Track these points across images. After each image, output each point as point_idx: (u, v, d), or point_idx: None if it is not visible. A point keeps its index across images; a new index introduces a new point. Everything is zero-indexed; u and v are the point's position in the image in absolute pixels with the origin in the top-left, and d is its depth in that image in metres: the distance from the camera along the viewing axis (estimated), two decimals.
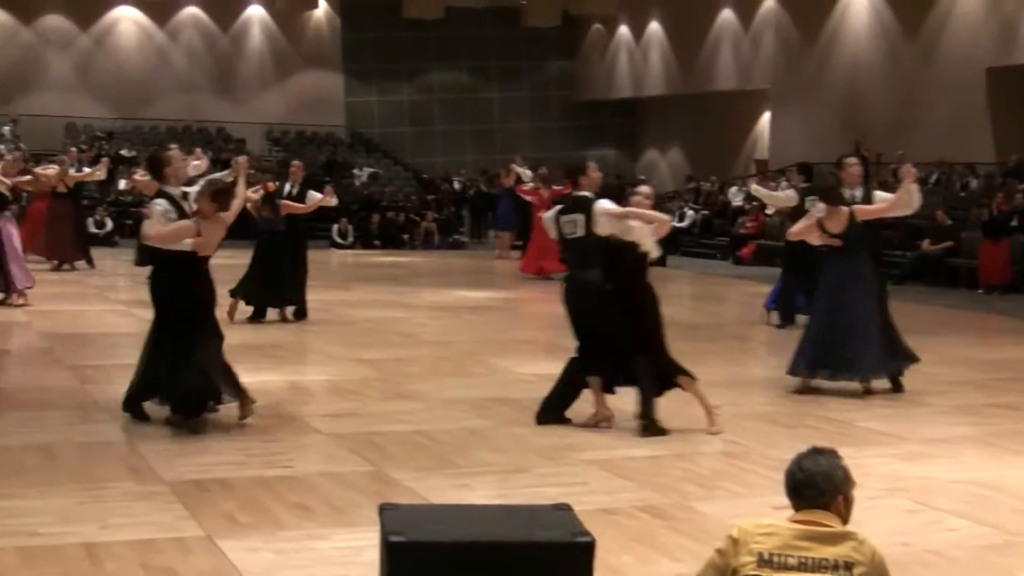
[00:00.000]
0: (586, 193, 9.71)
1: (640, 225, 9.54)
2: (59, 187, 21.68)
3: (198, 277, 9.49)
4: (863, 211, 11.23)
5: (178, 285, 9.41)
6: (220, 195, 9.56)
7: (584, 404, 9.81)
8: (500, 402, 10.69)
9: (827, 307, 11.34)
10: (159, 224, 9.46)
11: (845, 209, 11.15)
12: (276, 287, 15.57)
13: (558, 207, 9.95)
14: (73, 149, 20.47)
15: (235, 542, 6.53)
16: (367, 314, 17.06)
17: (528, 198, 23.61)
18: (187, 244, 9.36)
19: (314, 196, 15.66)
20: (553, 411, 9.82)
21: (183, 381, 9.32)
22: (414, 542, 4.68)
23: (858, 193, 11.64)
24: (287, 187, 15.75)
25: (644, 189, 10.05)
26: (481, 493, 7.62)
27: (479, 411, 10.31)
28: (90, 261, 22.73)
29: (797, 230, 11.67)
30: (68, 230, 22.35)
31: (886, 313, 11.65)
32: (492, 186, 33.09)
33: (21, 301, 16.46)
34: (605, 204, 9.59)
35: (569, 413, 9.82)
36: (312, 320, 15.74)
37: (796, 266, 15.76)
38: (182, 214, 9.54)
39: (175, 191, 9.74)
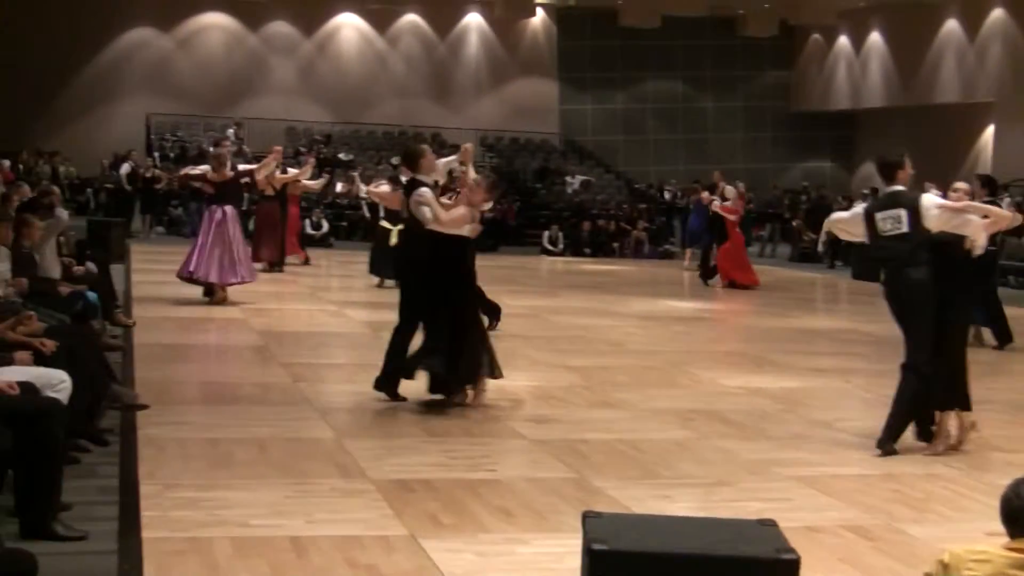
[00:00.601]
0: (903, 188, 9.41)
1: (977, 219, 9.25)
2: (267, 190, 21.35)
3: (468, 261, 10.36)
4: None
5: (454, 269, 10.23)
6: (494, 187, 10.60)
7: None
8: (706, 414, 10.58)
9: None
10: (440, 210, 10.16)
11: None
12: None
13: (867, 205, 9.68)
14: (278, 148, 19.97)
15: (437, 542, 6.58)
16: (575, 321, 17.08)
17: (731, 216, 23.34)
18: (466, 230, 10.16)
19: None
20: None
21: (462, 358, 10.21)
22: (617, 551, 4.65)
23: None
24: None
25: (962, 185, 9.68)
26: (683, 505, 7.55)
27: (684, 422, 10.22)
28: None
29: None
30: (271, 233, 21.93)
31: None
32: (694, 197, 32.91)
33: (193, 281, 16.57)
34: (936, 198, 9.31)
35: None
36: (520, 326, 15.80)
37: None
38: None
39: (429, 180, 10.44)
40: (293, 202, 23.76)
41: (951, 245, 9.21)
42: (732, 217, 23.20)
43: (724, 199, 23.61)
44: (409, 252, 10.86)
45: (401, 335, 10.61)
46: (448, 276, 10.27)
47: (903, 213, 9.19)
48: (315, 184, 25.62)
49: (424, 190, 10.27)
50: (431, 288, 10.31)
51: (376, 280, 19.95)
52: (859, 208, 9.71)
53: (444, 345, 10.21)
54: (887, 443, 9.18)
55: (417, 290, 10.46)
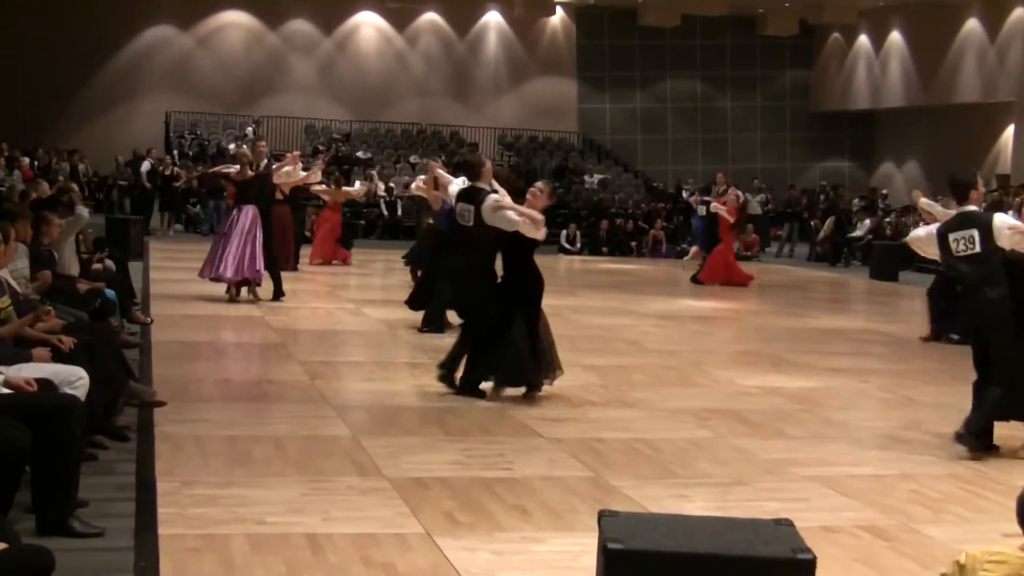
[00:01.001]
0: (976, 207, 9.38)
1: None
2: (275, 194, 19.95)
3: (535, 263, 10.65)
4: None
5: (529, 270, 10.58)
6: (554, 194, 10.97)
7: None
8: (723, 414, 10.57)
9: None
10: (524, 208, 10.46)
11: None
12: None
13: (939, 225, 9.68)
14: (296, 153, 19.75)
15: (453, 541, 6.59)
16: (593, 320, 17.07)
17: (728, 218, 23.45)
18: (539, 233, 10.43)
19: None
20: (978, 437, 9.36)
21: (537, 361, 10.69)
22: (632, 550, 4.65)
23: None
24: None
25: None
26: (700, 504, 7.54)
27: (701, 422, 10.21)
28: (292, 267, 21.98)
29: None
30: (279, 239, 20.10)
31: None
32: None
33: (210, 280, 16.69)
34: (1008, 218, 9.28)
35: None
36: None
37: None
38: None
39: (489, 189, 10.79)
40: (335, 209, 24.75)
41: (1021, 264, 9.18)
42: (730, 219, 23.38)
43: (704, 199, 23.96)
44: (467, 259, 10.92)
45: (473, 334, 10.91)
46: (523, 277, 10.57)
47: (975, 233, 9.17)
48: (355, 191, 25.84)
49: (497, 196, 10.64)
50: (504, 293, 10.58)
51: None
52: (934, 228, 9.67)
53: (520, 354, 10.60)
54: (966, 438, 9.17)
55: (480, 295, 10.68)
